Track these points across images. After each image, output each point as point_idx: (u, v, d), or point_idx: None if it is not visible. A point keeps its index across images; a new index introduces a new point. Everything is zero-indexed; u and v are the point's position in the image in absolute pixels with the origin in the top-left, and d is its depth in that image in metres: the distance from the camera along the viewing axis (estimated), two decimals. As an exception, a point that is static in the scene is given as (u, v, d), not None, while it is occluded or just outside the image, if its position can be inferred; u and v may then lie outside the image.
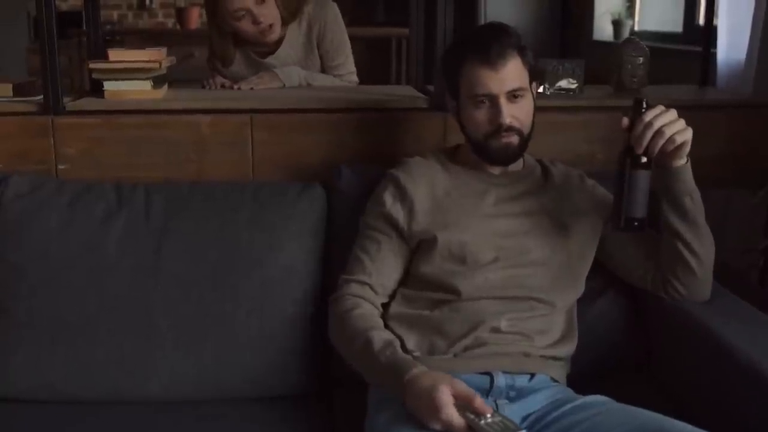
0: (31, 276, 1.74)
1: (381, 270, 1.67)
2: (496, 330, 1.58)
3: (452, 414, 1.30)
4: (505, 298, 1.61)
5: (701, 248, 1.62)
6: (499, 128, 1.64)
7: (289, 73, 2.35)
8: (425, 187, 1.70)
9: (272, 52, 2.47)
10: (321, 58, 2.49)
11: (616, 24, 4.70)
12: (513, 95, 1.64)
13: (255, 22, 2.34)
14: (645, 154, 1.53)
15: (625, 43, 2.28)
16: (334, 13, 2.51)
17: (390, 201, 1.69)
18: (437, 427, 1.32)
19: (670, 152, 1.54)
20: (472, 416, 1.29)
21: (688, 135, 1.54)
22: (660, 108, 1.53)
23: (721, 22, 3.23)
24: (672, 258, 1.64)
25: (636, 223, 1.56)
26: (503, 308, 1.60)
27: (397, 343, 1.51)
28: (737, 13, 2.85)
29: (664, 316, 1.72)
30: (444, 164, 1.75)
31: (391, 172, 1.74)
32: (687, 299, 1.67)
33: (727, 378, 1.50)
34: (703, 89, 2.56)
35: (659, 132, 1.51)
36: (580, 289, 1.71)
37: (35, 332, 1.72)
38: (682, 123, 1.53)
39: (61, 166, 1.99)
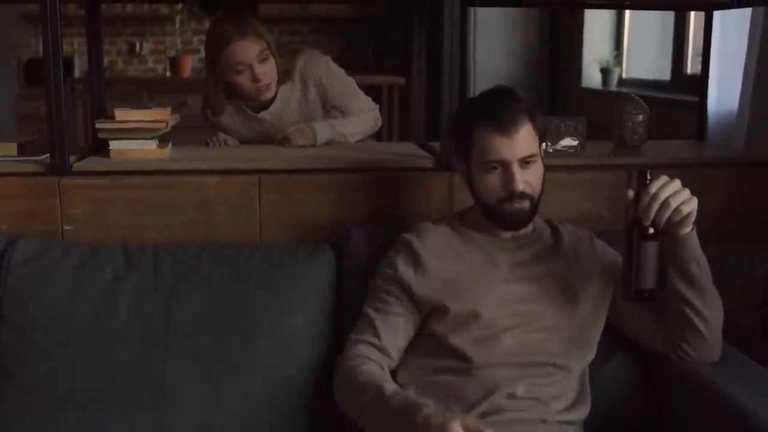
0: (38, 342, 1.72)
1: (390, 332, 1.66)
2: (512, 396, 1.58)
3: None
4: (520, 365, 1.61)
5: (709, 312, 1.63)
6: (511, 194, 1.65)
7: (320, 130, 2.35)
8: (438, 252, 1.70)
9: (265, 107, 2.48)
10: (334, 110, 2.49)
11: (605, 72, 4.76)
12: (525, 161, 1.65)
13: (254, 79, 2.36)
14: (652, 225, 1.55)
15: (625, 100, 2.31)
16: (327, 65, 2.51)
17: (403, 266, 1.69)
18: None
19: (676, 222, 1.56)
20: None
21: (693, 205, 1.55)
22: (664, 179, 1.54)
23: (711, 73, 3.29)
24: (680, 323, 1.65)
25: (646, 294, 1.57)
26: (519, 374, 1.60)
27: (410, 394, 1.50)
28: (727, 64, 2.91)
29: (674, 378, 1.72)
30: (456, 229, 1.76)
31: (404, 236, 1.75)
32: (696, 360, 1.68)
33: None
34: (700, 144, 2.59)
35: (665, 204, 1.52)
36: (593, 352, 1.71)
37: (43, 401, 1.70)
38: (687, 193, 1.54)
39: (67, 227, 1.98)
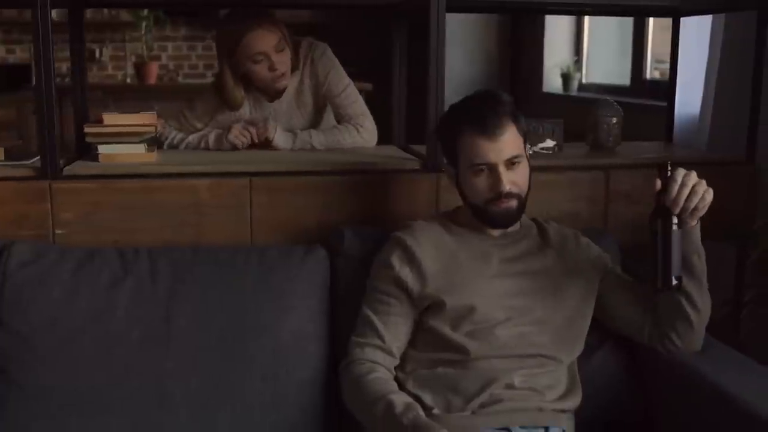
0: (39, 347, 1.73)
1: (392, 333, 1.71)
2: (510, 386, 1.64)
3: None
4: (515, 356, 1.67)
5: (702, 304, 1.71)
6: (499, 195, 1.71)
7: (286, 137, 2.36)
8: (431, 250, 1.75)
9: (277, 97, 2.49)
10: (334, 109, 2.49)
11: (565, 77, 4.88)
12: (511, 162, 1.71)
13: (271, 68, 2.36)
14: (678, 213, 1.61)
15: (600, 104, 2.39)
16: (332, 62, 2.49)
17: (398, 264, 1.74)
18: None
19: (693, 211, 1.61)
20: None
21: (711, 194, 1.62)
22: (683, 170, 1.61)
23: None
24: (674, 312, 1.72)
25: (677, 282, 1.63)
26: (515, 365, 1.66)
27: (418, 407, 1.55)
28: (689, 69, 3.02)
29: (660, 367, 1.80)
30: (447, 227, 1.81)
31: (397, 235, 1.79)
32: (681, 350, 1.76)
33: (729, 425, 1.58)
34: (669, 146, 2.69)
35: (693, 191, 1.59)
36: (581, 344, 1.78)
37: (45, 405, 1.70)
38: (705, 183, 1.61)
39: (58, 231, 1.98)
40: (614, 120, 2.37)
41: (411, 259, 1.74)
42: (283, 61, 2.38)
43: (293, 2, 3.00)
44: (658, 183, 1.61)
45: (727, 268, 2.40)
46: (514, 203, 1.73)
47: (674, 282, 1.62)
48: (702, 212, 1.63)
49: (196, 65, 5.89)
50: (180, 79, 5.82)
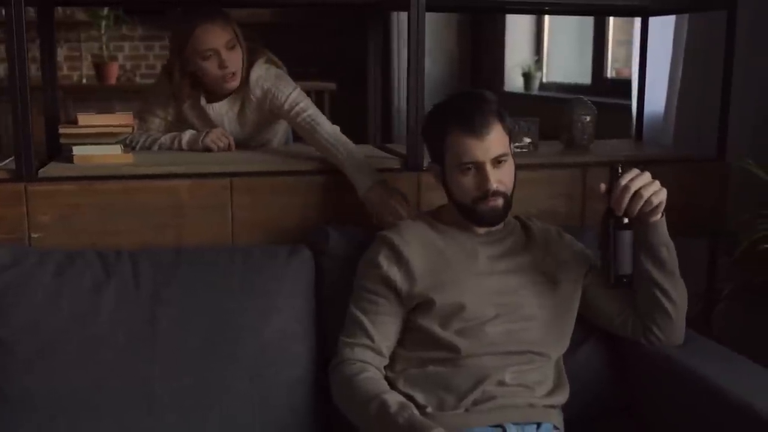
0: (21, 352, 1.69)
1: (381, 332, 1.71)
2: (501, 383, 1.65)
3: None
4: (505, 353, 1.68)
5: (677, 295, 1.75)
6: (486, 193, 1.72)
7: None
8: (419, 248, 1.76)
9: (217, 100, 2.41)
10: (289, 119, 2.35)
11: (526, 76, 4.92)
12: (497, 161, 1.73)
13: (221, 65, 2.30)
14: (625, 215, 1.65)
15: (575, 103, 2.42)
16: (274, 81, 2.37)
17: (386, 263, 1.74)
18: None
19: (647, 212, 1.66)
20: None
21: (663, 195, 1.66)
22: (635, 171, 1.65)
23: (635, 76, 3.46)
24: (651, 305, 1.76)
25: (625, 279, 1.69)
26: (506, 362, 1.67)
27: (412, 406, 1.55)
28: (653, 68, 3.07)
29: (645, 361, 1.83)
30: (432, 225, 1.82)
31: (383, 234, 1.79)
32: (664, 343, 1.79)
33: (715, 416, 1.62)
34: (639, 144, 2.74)
35: (637, 194, 1.63)
36: (568, 340, 1.80)
37: (30, 412, 1.66)
38: (657, 184, 1.65)
39: (34, 235, 1.94)
40: (588, 118, 2.40)
41: (399, 258, 1.74)
42: (233, 59, 2.32)
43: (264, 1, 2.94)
44: (603, 186, 1.65)
45: (698, 264, 2.45)
46: (500, 201, 1.74)
47: (621, 279, 1.67)
48: (657, 211, 1.67)
49: (154, 65, 5.81)
50: (138, 79, 5.73)
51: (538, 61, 5.00)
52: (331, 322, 1.81)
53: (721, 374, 1.67)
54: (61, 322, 1.72)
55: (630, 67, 4.28)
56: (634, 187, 1.62)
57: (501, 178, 1.73)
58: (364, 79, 2.62)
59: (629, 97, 3.49)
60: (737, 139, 2.51)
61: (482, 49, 5.41)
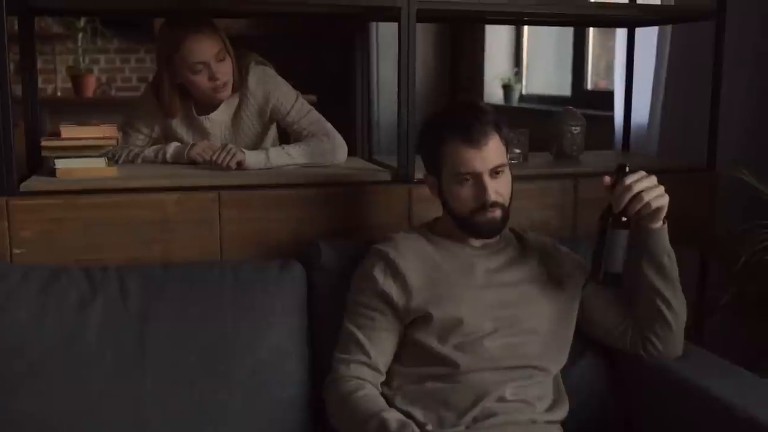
0: (6, 374, 1.63)
1: (378, 348, 1.67)
2: (502, 399, 1.62)
3: None
4: (505, 368, 1.65)
5: (678, 303, 1.73)
6: (484, 205, 1.69)
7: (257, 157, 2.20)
8: (415, 261, 1.72)
9: (209, 111, 2.37)
10: (290, 129, 2.38)
11: (506, 88, 4.93)
12: (495, 171, 1.70)
13: (212, 77, 2.24)
14: (624, 214, 1.64)
15: (565, 114, 2.40)
16: (275, 83, 2.38)
17: (382, 278, 1.70)
18: None
19: (647, 215, 1.64)
20: None
21: (664, 201, 1.65)
22: (640, 173, 1.64)
23: (618, 87, 3.47)
24: (651, 314, 1.74)
25: (614, 278, 1.66)
26: (505, 377, 1.64)
27: (412, 424, 1.51)
28: (635, 79, 3.07)
29: (644, 374, 1.80)
30: (428, 238, 1.79)
31: (378, 247, 1.76)
32: (663, 355, 1.77)
33: (719, 429, 1.60)
34: (628, 154, 2.73)
35: (637, 196, 1.62)
36: (567, 353, 1.78)
37: (17, 435, 1.61)
38: (660, 189, 1.64)
39: (16, 251, 1.88)
40: (578, 129, 2.39)
41: (395, 272, 1.70)
42: (224, 71, 2.27)
43: (256, 10, 2.84)
44: (607, 179, 1.65)
45: (689, 274, 2.44)
46: (498, 213, 1.72)
47: (611, 277, 1.66)
48: (657, 215, 1.67)
49: (130, 78, 5.74)
50: (113, 92, 5.66)
51: (518, 73, 5.01)
52: (324, 339, 1.77)
53: (723, 386, 1.65)
54: (47, 342, 1.67)
55: (607, 79, 4.33)
56: (637, 189, 1.62)
57: (499, 189, 1.71)
58: (344, 91, 2.59)
59: (610, 108, 3.50)
60: (723, 148, 2.50)
61: (461, 61, 5.41)
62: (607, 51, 4.31)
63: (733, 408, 1.57)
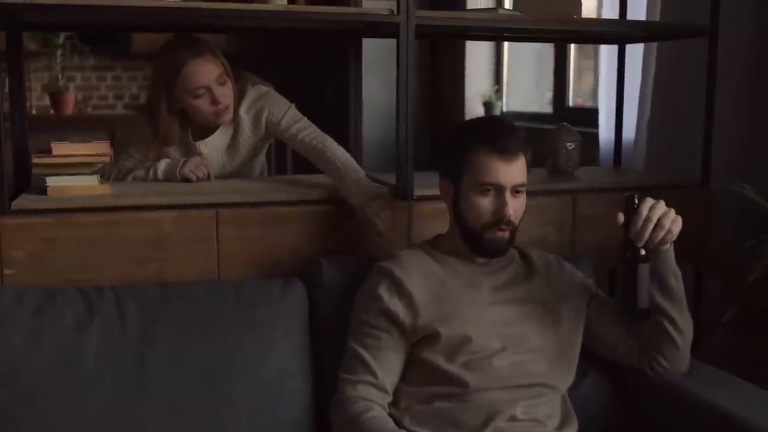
0: (1, 399, 1.57)
1: (385, 368, 1.64)
2: (513, 419, 1.59)
3: None
4: (515, 387, 1.63)
5: (684, 324, 1.72)
6: (500, 220, 1.67)
7: None
8: (420, 278, 1.70)
9: (204, 137, 2.32)
10: (290, 141, 2.30)
11: (487, 105, 4.92)
12: (516, 190, 1.69)
13: (214, 101, 2.20)
14: (645, 246, 1.61)
15: (560, 130, 2.40)
16: (269, 96, 2.35)
17: (387, 295, 1.67)
18: None
19: (666, 241, 1.62)
20: None
21: (680, 224, 1.62)
22: (651, 201, 1.61)
23: (603, 104, 3.49)
24: (658, 334, 1.72)
25: (645, 312, 1.65)
26: (515, 396, 1.62)
27: None
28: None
29: (650, 390, 1.79)
30: (432, 255, 1.76)
31: (382, 265, 1.73)
32: (669, 373, 1.75)
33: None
34: (620, 170, 2.73)
35: (659, 224, 1.59)
36: (574, 371, 1.76)
37: (12, 463, 1.55)
38: (673, 212, 1.62)
39: (7, 272, 1.82)
40: (573, 145, 2.39)
41: (400, 290, 1.67)
42: (225, 94, 2.23)
43: (252, 25, 2.80)
44: (621, 217, 1.61)
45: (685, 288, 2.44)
46: (507, 234, 1.71)
47: (642, 312, 1.64)
48: (671, 239, 1.64)
49: (106, 96, 5.66)
50: (89, 110, 5.58)
51: (498, 91, 5.02)
52: (327, 358, 1.74)
53: (732, 401, 1.64)
54: (43, 366, 1.62)
55: (583, 97, 4.35)
56: (655, 217, 1.59)
57: (516, 208, 1.70)
58: (324, 109, 2.54)
59: (592, 125, 3.51)
60: (714, 162, 2.51)
61: (441, 79, 5.40)
62: (583, 70, 4.35)
63: (741, 422, 1.56)
